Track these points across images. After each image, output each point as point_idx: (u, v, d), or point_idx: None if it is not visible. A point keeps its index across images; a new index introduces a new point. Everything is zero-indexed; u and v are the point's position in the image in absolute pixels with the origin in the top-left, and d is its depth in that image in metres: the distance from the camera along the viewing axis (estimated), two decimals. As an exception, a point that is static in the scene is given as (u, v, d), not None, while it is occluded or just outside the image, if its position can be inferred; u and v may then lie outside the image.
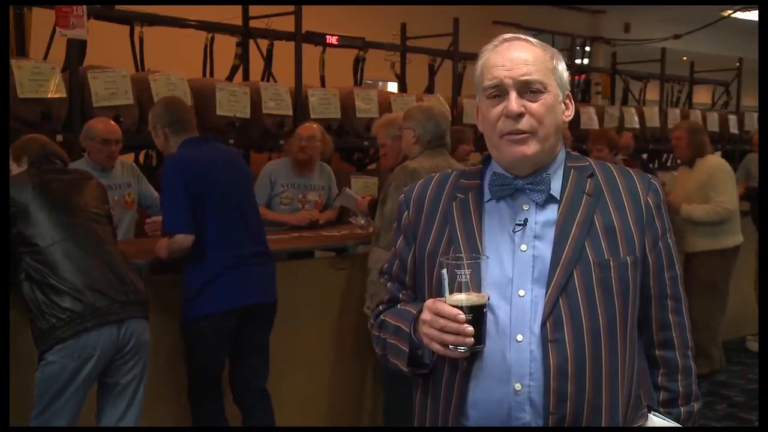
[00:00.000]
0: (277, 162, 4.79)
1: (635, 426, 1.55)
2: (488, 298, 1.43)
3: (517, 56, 1.50)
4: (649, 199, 1.55)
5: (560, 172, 1.55)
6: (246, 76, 5.71)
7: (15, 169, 3.04)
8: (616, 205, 1.53)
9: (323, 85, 6.00)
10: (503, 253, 1.50)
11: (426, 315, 1.44)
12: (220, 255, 3.22)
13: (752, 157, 7.00)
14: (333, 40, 5.97)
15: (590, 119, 7.18)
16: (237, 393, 3.42)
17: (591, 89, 9.04)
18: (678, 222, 5.04)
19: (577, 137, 6.70)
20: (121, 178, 4.20)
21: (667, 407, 1.60)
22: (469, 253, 1.48)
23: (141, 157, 5.31)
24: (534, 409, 1.44)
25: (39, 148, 3.04)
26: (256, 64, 5.74)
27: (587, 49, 11.10)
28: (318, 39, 5.89)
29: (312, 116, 5.32)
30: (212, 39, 5.51)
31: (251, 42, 5.65)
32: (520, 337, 1.45)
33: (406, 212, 1.65)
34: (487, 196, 1.56)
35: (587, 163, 1.59)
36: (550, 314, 1.44)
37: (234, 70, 5.65)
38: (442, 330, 1.40)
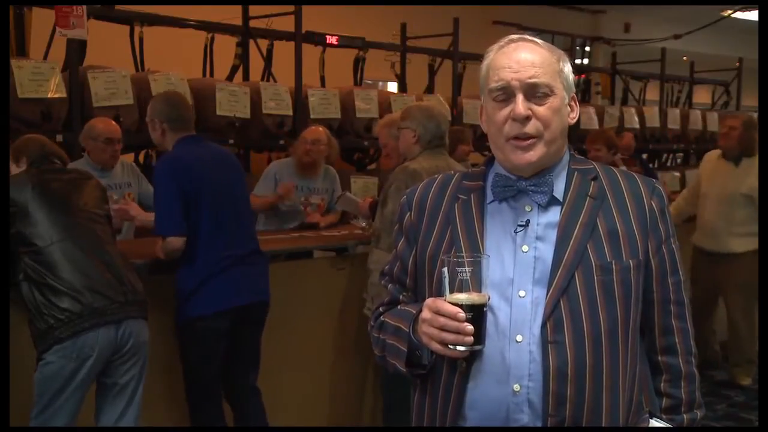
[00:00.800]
0: (283, 162, 4.78)
1: (636, 427, 1.54)
2: (489, 298, 1.43)
3: (524, 58, 1.49)
4: (653, 204, 1.54)
5: (564, 175, 1.55)
6: (246, 76, 5.71)
7: (14, 169, 3.04)
8: (620, 209, 1.52)
9: (323, 85, 6.00)
10: (504, 254, 1.49)
11: (426, 313, 1.43)
12: (213, 255, 3.21)
13: None
14: (333, 40, 5.97)
15: (590, 119, 7.18)
16: (228, 390, 3.41)
17: (591, 89, 9.04)
18: (712, 222, 4.94)
19: (577, 137, 6.70)
20: (121, 178, 4.20)
21: (669, 414, 1.59)
22: (471, 253, 1.47)
23: (141, 157, 5.31)
24: (533, 411, 1.44)
25: (38, 148, 3.04)
26: (256, 64, 5.73)
27: (587, 49, 11.11)
28: (318, 39, 5.88)
29: (312, 116, 5.32)
30: (212, 39, 5.51)
31: (251, 42, 5.65)
32: (519, 338, 1.44)
33: (408, 213, 1.64)
34: (489, 197, 1.56)
35: (591, 166, 1.58)
36: (551, 315, 1.43)
37: (234, 70, 5.65)
38: (442, 328, 1.40)
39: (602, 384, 1.45)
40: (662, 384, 1.60)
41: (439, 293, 1.46)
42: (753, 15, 10.54)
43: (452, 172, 1.68)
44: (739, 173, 4.87)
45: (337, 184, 4.79)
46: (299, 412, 3.84)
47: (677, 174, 7.78)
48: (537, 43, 1.53)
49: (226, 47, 5.65)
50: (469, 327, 1.39)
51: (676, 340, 1.58)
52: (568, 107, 1.55)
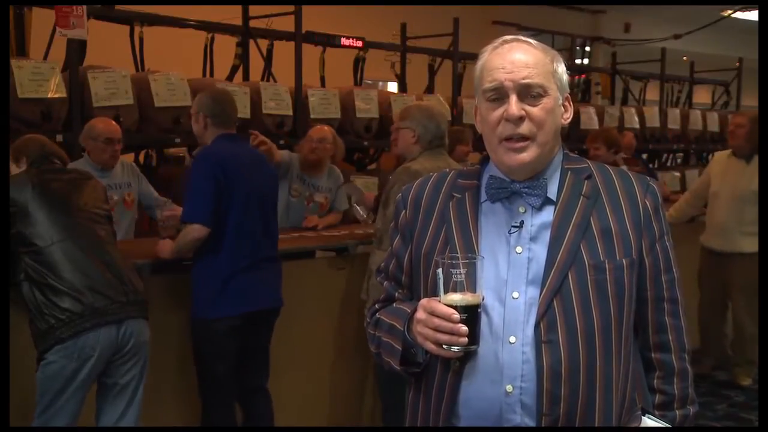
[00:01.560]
0: (291, 154, 4.75)
1: (629, 427, 1.54)
2: (483, 299, 1.43)
3: (518, 58, 1.50)
4: (646, 202, 1.55)
5: (557, 175, 1.55)
6: (246, 76, 5.71)
7: (14, 169, 3.04)
8: (614, 208, 1.52)
9: (323, 85, 6.00)
10: (498, 255, 1.50)
11: (420, 314, 1.44)
12: (236, 255, 3.23)
13: None
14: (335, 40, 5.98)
15: (590, 119, 7.18)
16: (238, 391, 3.42)
17: (591, 89, 9.04)
18: (723, 221, 4.91)
19: (577, 137, 6.70)
20: (121, 178, 4.19)
21: (662, 410, 1.59)
22: (465, 254, 1.48)
23: (141, 157, 5.31)
24: (525, 411, 1.44)
25: (38, 148, 3.04)
26: (256, 64, 5.74)
27: (587, 49, 11.11)
28: (318, 39, 5.89)
29: (312, 116, 5.32)
30: (212, 39, 5.52)
31: (251, 42, 5.65)
32: (512, 339, 1.45)
33: (404, 211, 1.65)
34: (483, 197, 1.56)
35: (585, 165, 1.58)
36: (544, 316, 1.44)
37: (234, 70, 5.66)
38: (436, 329, 1.41)
39: (596, 383, 1.45)
40: (655, 381, 1.60)
41: (434, 292, 1.46)
42: (753, 15, 10.55)
43: (447, 170, 1.69)
44: (750, 170, 4.83)
45: (340, 184, 4.78)
46: (299, 412, 3.85)
47: (677, 174, 7.78)
48: (531, 43, 1.54)
49: (226, 47, 5.66)
50: (464, 328, 1.39)
51: (670, 337, 1.58)
52: (562, 108, 1.55)
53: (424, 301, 1.45)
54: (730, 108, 9.76)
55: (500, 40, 1.55)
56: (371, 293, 3.45)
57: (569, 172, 1.55)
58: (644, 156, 8.28)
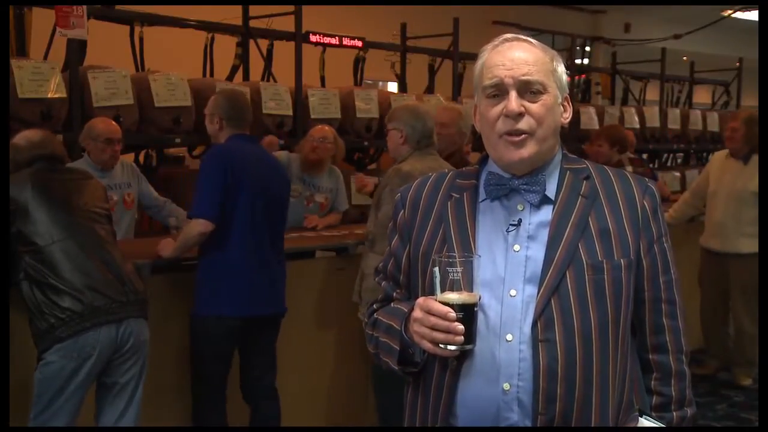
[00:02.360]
0: (291, 155, 4.75)
1: (625, 427, 1.54)
2: (480, 298, 1.43)
3: (518, 56, 1.51)
4: (645, 203, 1.55)
5: (556, 174, 1.56)
6: (246, 76, 5.71)
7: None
8: (612, 208, 1.53)
9: (323, 85, 6.00)
10: (496, 253, 1.50)
11: (417, 313, 1.44)
12: (239, 256, 3.24)
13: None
14: (333, 40, 5.98)
15: (590, 119, 7.19)
16: (246, 392, 3.45)
17: (591, 89, 9.05)
18: (721, 221, 4.90)
19: (577, 137, 6.71)
20: (121, 178, 4.20)
21: (659, 412, 1.59)
22: (462, 252, 1.48)
23: (141, 157, 5.31)
24: (522, 410, 1.44)
25: (25, 152, 3.02)
26: (256, 64, 5.74)
27: (587, 49, 11.11)
28: (318, 39, 5.88)
29: (312, 116, 5.32)
30: (212, 39, 5.52)
31: (251, 42, 5.65)
32: (509, 337, 1.45)
33: (402, 211, 1.65)
34: (482, 195, 1.57)
35: (584, 165, 1.59)
36: (541, 314, 1.44)
37: (234, 70, 5.66)
38: (433, 328, 1.41)
39: (592, 382, 1.45)
40: (653, 382, 1.60)
41: (431, 292, 1.47)
42: (753, 15, 10.55)
43: (446, 170, 1.69)
44: (748, 171, 4.82)
45: (341, 184, 4.78)
46: (299, 412, 3.85)
47: (677, 174, 7.78)
48: (531, 42, 1.55)
49: (226, 47, 5.66)
50: (460, 327, 1.40)
51: (667, 339, 1.58)
52: (561, 107, 1.56)
53: (420, 300, 1.46)
54: (730, 108, 9.75)
55: (501, 38, 1.56)
56: (364, 296, 3.40)
57: (568, 172, 1.56)
58: (644, 156, 8.29)
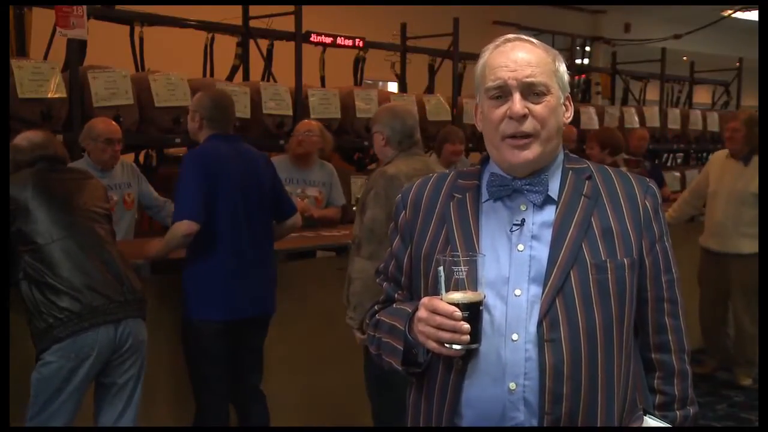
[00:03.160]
0: (278, 158, 4.77)
1: (630, 427, 1.54)
2: (485, 297, 1.43)
3: (521, 57, 1.50)
4: (646, 203, 1.55)
5: (558, 174, 1.56)
6: (246, 76, 5.71)
7: None
8: (614, 208, 1.53)
9: (323, 85, 6.00)
10: (500, 253, 1.50)
11: (422, 312, 1.44)
12: (221, 258, 3.23)
13: None
14: (333, 40, 5.98)
15: (590, 119, 7.18)
16: (232, 393, 3.42)
17: (591, 89, 9.04)
18: (721, 222, 4.89)
19: (577, 137, 6.69)
20: (121, 178, 4.19)
21: (662, 411, 1.59)
22: (466, 252, 1.48)
23: (141, 157, 5.31)
24: (528, 409, 1.44)
25: (26, 154, 3.02)
26: (256, 64, 5.73)
27: (587, 49, 11.12)
28: (318, 39, 5.88)
29: (312, 116, 5.31)
30: (212, 39, 5.51)
31: (251, 42, 5.65)
32: (515, 337, 1.45)
33: (404, 212, 1.64)
34: (484, 196, 1.56)
35: (585, 165, 1.59)
36: (547, 314, 1.44)
37: (234, 70, 5.65)
38: (438, 327, 1.41)
39: (598, 382, 1.45)
40: (655, 381, 1.60)
41: (434, 292, 1.46)
42: (753, 15, 10.55)
43: (447, 170, 1.69)
44: (749, 172, 4.82)
45: (334, 178, 4.77)
46: (298, 412, 3.84)
47: (677, 174, 7.78)
48: (533, 42, 1.55)
49: (226, 47, 5.66)
50: (466, 326, 1.39)
51: (670, 338, 1.58)
52: (563, 107, 1.56)
53: (425, 300, 1.45)
54: (730, 108, 9.75)
55: (502, 38, 1.56)
56: (351, 300, 3.32)
57: (570, 172, 1.56)
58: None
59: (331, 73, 6.19)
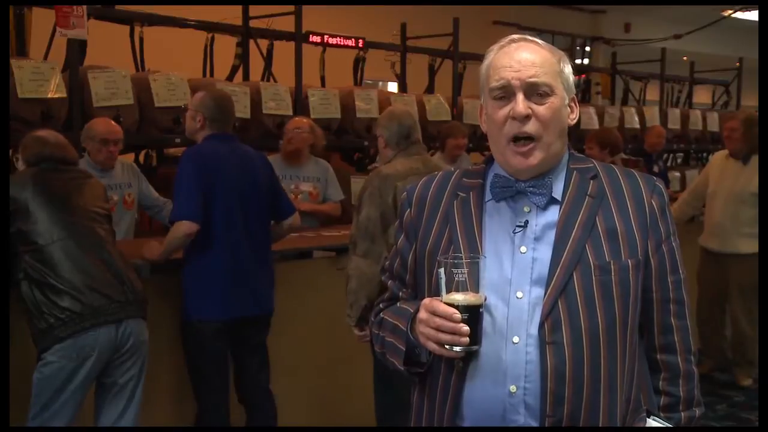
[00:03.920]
0: (272, 157, 4.75)
1: (633, 428, 1.54)
2: (485, 299, 1.43)
3: (525, 57, 1.50)
4: (653, 202, 1.54)
5: (563, 174, 1.55)
6: (246, 76, 5.71)
7: (20, 165, 3.04)
8: (619, 208, 1.52)
9: (323, 85, 6.00)
10: (503, 255, 1.49)
11: (422, 313, 1.44)
12: (219, 258, 3.22)
13: None
14: (333, 40, 5.98)
15: (590, 119, 7.18)
16: (240, 393, 3.44)
17: (591, 89, 9.05)
18: (720, 222, 4.89)
19: (577, 137, 6.70)
20: (121, 178, 4.20)
21: (667, 412, 1.59)
22: (468, 253, 1.47)
23: (141, 157, 5.31)
24: (529, 412, 1.43)
25: (38, 149, 3.03)
26: (256, 64, 5.73)
27: (587, 49, 11.12)
28: (318, 39, 5.88)
29: (312, 116, 5.31)
30: (212, 39, 5.52)
31: (251, 42, 5.65)
32: (516, 339, 1.44)
33: (408, 210, 1.64)
34: (488, 196, 1.56)
35: (591, 165, 1.58)
36: (548, 316, 1.43)
37: (234, 70, 5.66)
38: (438, 329, 1.40)
39: (600, 384, 1.45)
40: (661, 382, 1.59)
41: (437, 291, 1.46)
42: (753, 15, 10.55)
43: (452, 169, 1.68)
44: (748, 171, 4.81)
45: (330, 174, 4.76)
46: (298, 412, 3.84)
47: (677, 174, 7.78)
48: (538, 43, 1.54)
49: (226, 47, 5.66)
50: (465, 328, 1.39)
51: (675, 339, 1.57)
52: (568, 108, 1.55)
53: (426, 301, 1.45)
54: (730, 108, 9.76)
55: (507, 39, 1.55)
56: (349, 299, 3.32)
57: (575, 172, 1.55)
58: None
59: (331, 73, 6.19)
